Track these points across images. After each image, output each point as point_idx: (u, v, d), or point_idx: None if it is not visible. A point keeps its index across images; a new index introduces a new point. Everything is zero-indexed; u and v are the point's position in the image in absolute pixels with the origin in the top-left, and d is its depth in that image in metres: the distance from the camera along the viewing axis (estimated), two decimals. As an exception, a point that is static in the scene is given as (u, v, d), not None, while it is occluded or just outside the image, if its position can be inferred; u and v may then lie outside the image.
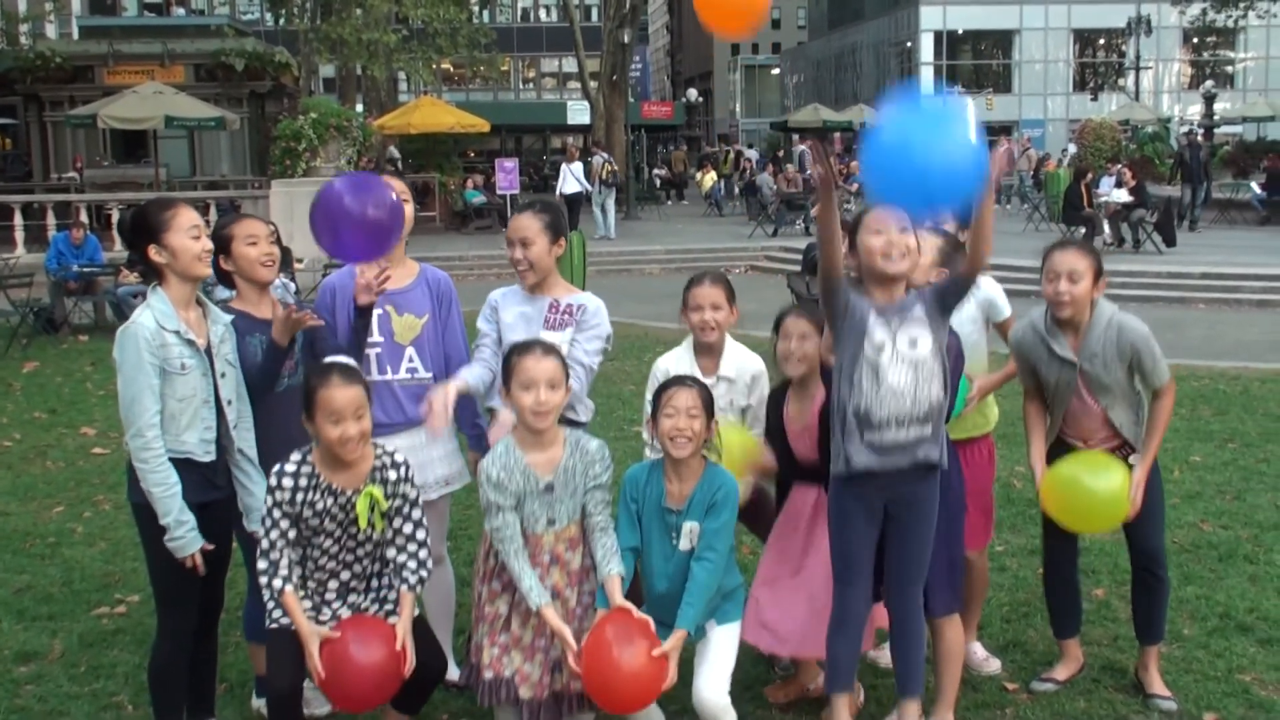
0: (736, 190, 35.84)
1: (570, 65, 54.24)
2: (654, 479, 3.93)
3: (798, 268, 9.75)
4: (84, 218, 17.79)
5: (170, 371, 3.75)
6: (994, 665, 4.76)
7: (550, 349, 3.83)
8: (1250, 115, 38.62)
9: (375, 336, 4.34)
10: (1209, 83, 43.51)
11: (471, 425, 4.60)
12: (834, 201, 3.75)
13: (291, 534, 3.68)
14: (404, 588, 3.74)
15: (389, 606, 3.79)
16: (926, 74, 57.03)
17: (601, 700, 3.73)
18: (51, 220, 20.18)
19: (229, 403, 3.92)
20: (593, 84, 36.73)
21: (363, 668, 3.59)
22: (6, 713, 4.51)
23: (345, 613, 3.76)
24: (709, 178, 36.53)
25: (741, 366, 4.42)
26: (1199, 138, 30.02)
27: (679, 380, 3.94)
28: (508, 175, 25.33)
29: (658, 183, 40.55)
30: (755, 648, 4.29)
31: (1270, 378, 10.83)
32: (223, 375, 3.90)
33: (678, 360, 4.44)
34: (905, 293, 3.86)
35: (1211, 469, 7.64)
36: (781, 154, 38.39)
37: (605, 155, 27.76)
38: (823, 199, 3.76)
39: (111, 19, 41.25)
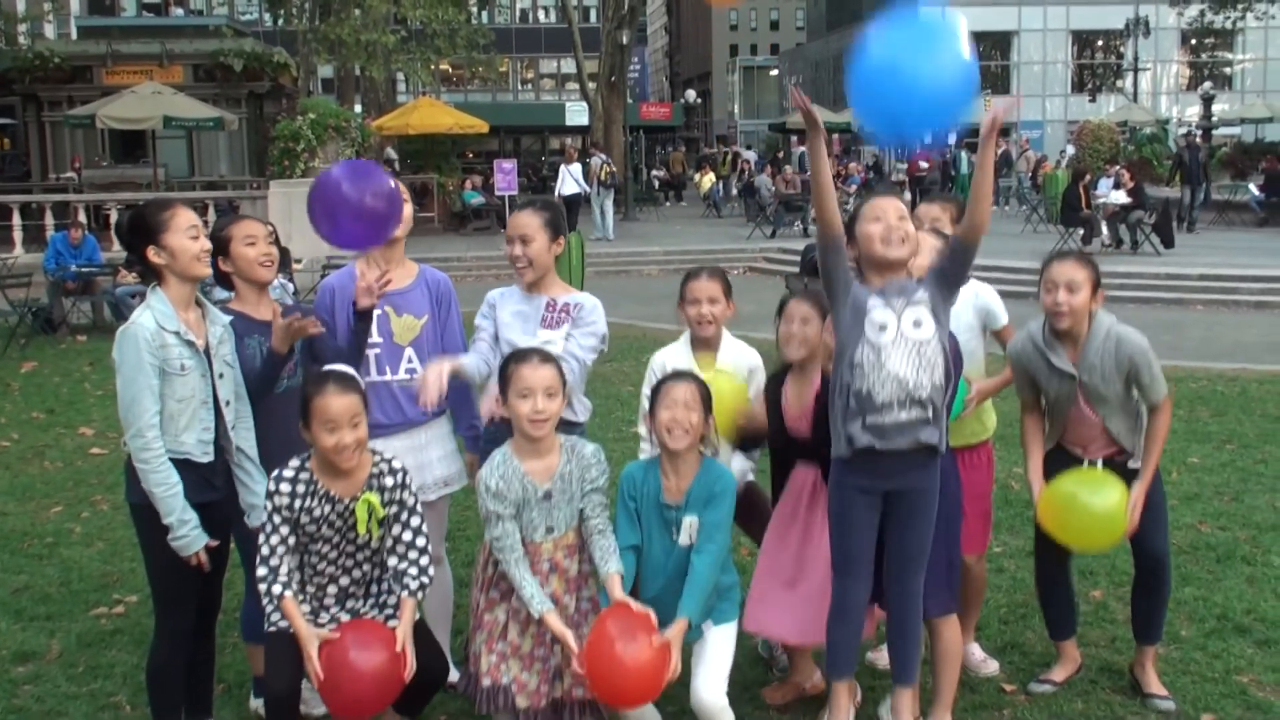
0: (735, 191, 35.86)
1: (569, 66, 54.30)
2: (651, 476, 3.94)
3: (796, 269, 9.75)
4: (82, 218, 17.78)
5: (170, 372, 3.74)
6: (992, 667, 4.77)
7: (547, 357, 3.83)
8: (1248, 117, 38.65)
9: (374, 337, 4.33)
10: (1207, 84, 43.54)
11: (468, 427, 4.60)
12: (822, 142, 3.77)
13: (291, 540, 3.68)
14: (404, 594, 3.73)
15: (389, 612, 3.78)
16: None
17: (606, 695, 3.70)
18: (50, 220, 20.18)
19: (227, 403, 3.92)
20: (591, 85, 36.72)
21: (363, 674, 3.56)
22: (4, 713, 4.51)
23: (344, 618, 3.76)
24: (707, 179, 36.54)
25: (738, 360, 4.44)
26: (1197, 139, 30.04)
27: (677, 374, 3.96)
28: (506, 176, 25.33)
29: (656, 184, 40.55)
30: (755, 636, 4.29)
31: (1268, 379, 10.84)
32: (221, 376, 3.90)
33: (675, 354, 4.45)
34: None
35: (1209, 470, 7.64)
36: (781, 155, 38.39)
37: (604, 157, 27.77)
38: (810, 139, 3.78)
39: (110, 19, 41.23)
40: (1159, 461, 4.37)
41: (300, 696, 3.79)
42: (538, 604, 3.73)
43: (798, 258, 11.38)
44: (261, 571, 3.65)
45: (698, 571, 3.81)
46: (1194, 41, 57.02)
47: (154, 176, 24.78)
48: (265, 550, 3.66)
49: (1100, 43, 59.05)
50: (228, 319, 4.03)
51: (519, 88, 64.92)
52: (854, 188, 29.30)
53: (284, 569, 3.66)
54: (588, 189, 25.88)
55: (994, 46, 58.65)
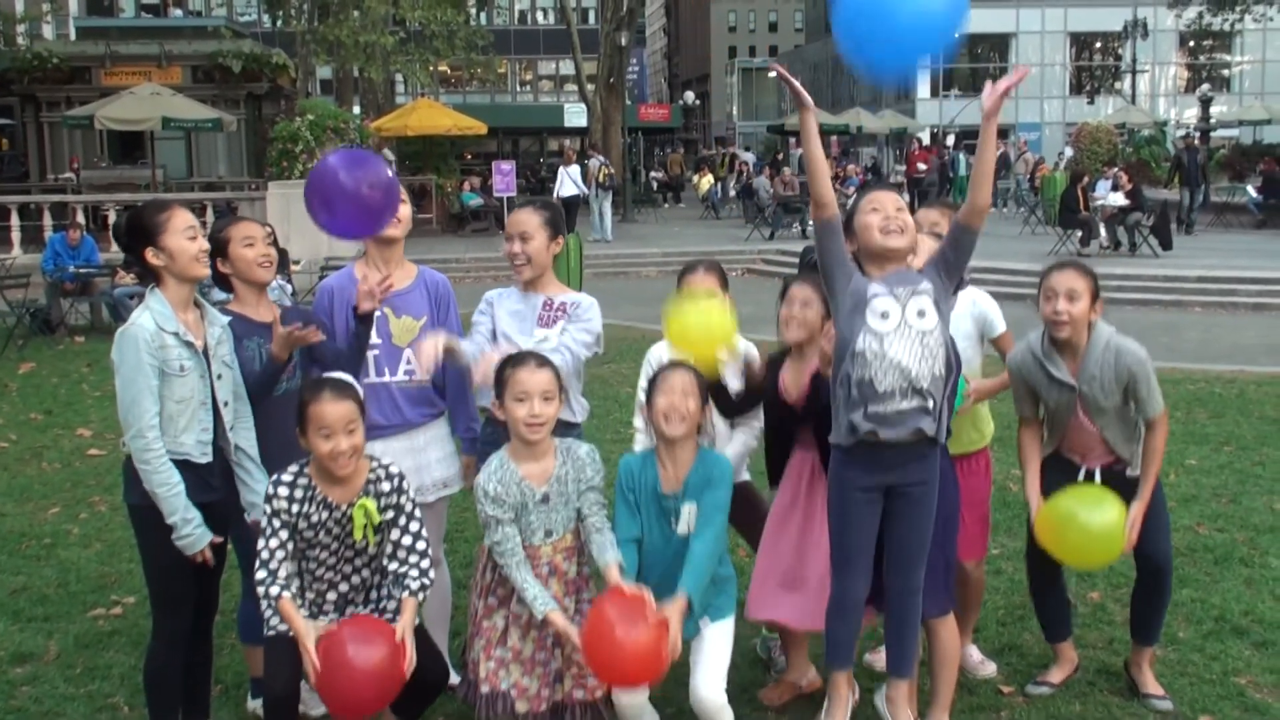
0: (733, 193, 35.86)
1: (567, 68, 54.26)
2: (648, 467, 3.94)
3: (794, 270, 9.75)
4: (80, 219, 17.78)
5: (169, 373, 3.74)
6: (990, 668, 4.77)
7: (544, 361, 3.83)
8: (1246, 119, 38.68)
9: (373, 339, 4.33)
10: (1205, 86, 43.56)
11: (466, 429, 4.59)
12: (811, 119, 3.79)
13: (289, 544, 3.68)
14: (405, 594, 3.72)
15: (388, 616, 3.77)
16: (923, 77, 57.09)
17: (609, 675, 3.68)
18: (48, 221, 20.14)
19: (225, 404, 3.92)
20: (590, 87, 36.73)
21: (361, 667, 3.51)
22: (3, 714, 4.51)
23: None
24: (705, 180, 36.54)
25: (734, 379, 4.42)
26: (1196, 141, 30.07)
27: (674, 363, 3.96)
28: (505, 178, 25.34)
29: (654, 185, 40.55)
30: (757, 621, 4.28)
31: (1266, 381, 10.85)
32: (219, 377, 3.90)
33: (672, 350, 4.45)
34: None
35: (1207, 472, 7.65)
36: (780, 157, 38.41)
37: (602, 158, 27.79)
38: (802, 119, 3.80)
39: (109, 20, 41.25)
40: (1156, 480, 4.36)
41: (299, 698, 3.79)
42: (541, 604, 3.73)
43: (796, 259, 11.39)
44: (260, 574, 3.65)
45: (696, 552, 3.80)
46: (1192, 43, 57.10)
47: (152, 177, 24.78)
48: (264, 554, 3.65)
49: (1098, 45, 59.13)
50: (226, 319, 4.03)
51: (517, 89, 64.92)
52: (852, 189, 29.28)
53: (282, 572, 3.65)
54: (586, 191, 25.89)
55: (992, 48, 58.74)
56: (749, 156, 43.10)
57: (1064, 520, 4.21)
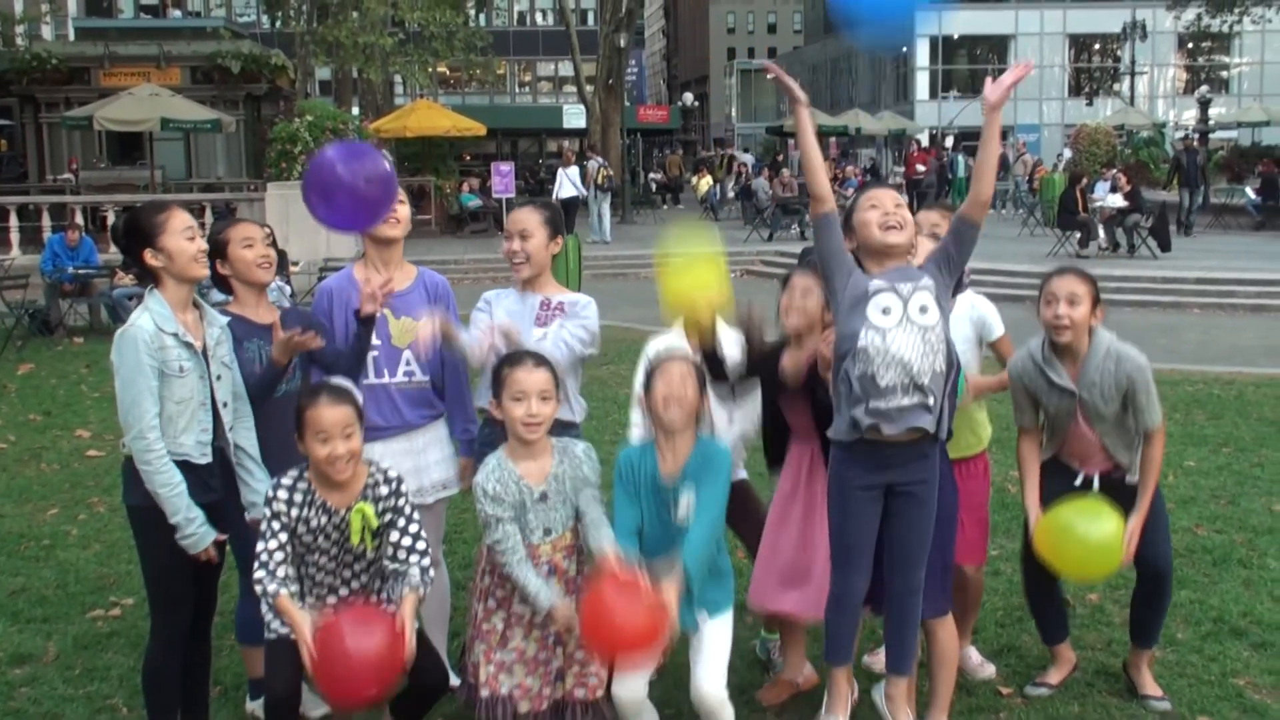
0: (732, 194, 35.87)
1: (566, 69, 54.26)
2: (647, 458, 3.94)
3: (793, 272, 9.75)
4: (79, 219, 17.78)
5: (168, 374, 3.74)
6: (989, 670, 4.77)
7: (542, 360, 3.83)
8: (1245, 120, 38.74)
9: (373, 340, 4.33)
10: (1204, 88, 43.57)
11: (463, 430, 4.59)
12: (805, 115, 3.81)
13: (289, 546, 3.68)
14: (406, 589, 3.71)
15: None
16: (922, 79, 57.14)
17: (609, 649, 3.66)
18: (47, 222, 20.13)
19: (224, 404, 3.92)
20: (589, 88, 36.71)
21: (360, 657, 3.47)
22: (2, 715, 4.51)
23: None
24: (704, 182, 36.54)
25: (733, 346, 4.43)
26: (1194, 143, 30.10)
27: (672, 354, 3.97)
28: (503, 179, 25.35)
29: (653, 187, 40.57)
30: (758, 611, 4.28)
31: (1264, 382, 10.85)
32: (218, 377, 3.90)
33: (669, 343, 4.45)
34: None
35: (1206, 474, 7.65)
36: (780, 158, 38.43)
37: (601, 160, 27.79)
38: (795, 115, 3.82)
39: (108, 21, 41.28)
40: (1154, 492, 4.36)
41: (300, 700, 3.79)
42: (545, 598, 3.72)
43: (795, 261, 11.38)
44: (259, 574, 3.65)
45: (692, 536, 3.80)
46: (1191, 45, 57.13)
47: (151, 178, 24.76)
48: (264, 555, 3.65)
49: (1097, 46, 59.18)
50: (225, 319, 4.03)
51: (516, 90, 64.94)
52: (851, 191, 29.29)
53: (280, 572, 3.65)
54: (585, 192, 25.90)
55: (991, 50, 58.77)
56: (748, 158, 43.12)
57: (1062, 532, 4.20)
